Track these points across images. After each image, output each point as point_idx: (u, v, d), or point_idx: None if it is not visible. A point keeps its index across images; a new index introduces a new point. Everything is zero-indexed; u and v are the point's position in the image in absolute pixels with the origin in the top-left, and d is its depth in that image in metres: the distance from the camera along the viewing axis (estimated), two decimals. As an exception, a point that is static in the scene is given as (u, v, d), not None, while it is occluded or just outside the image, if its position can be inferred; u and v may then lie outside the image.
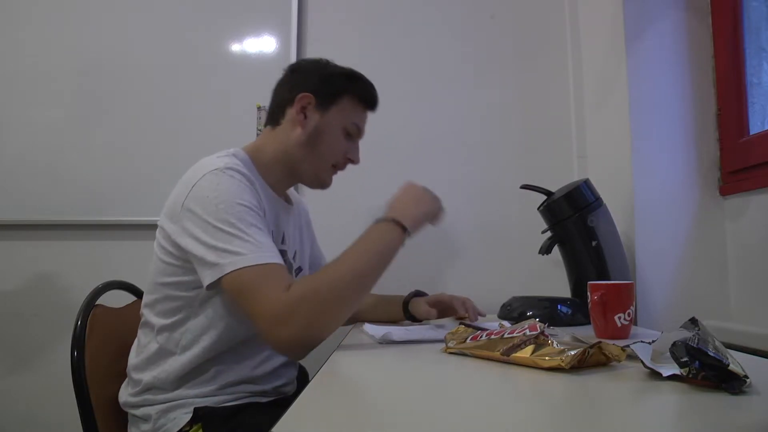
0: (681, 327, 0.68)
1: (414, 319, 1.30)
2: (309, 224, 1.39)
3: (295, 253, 1.21)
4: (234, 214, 0.92)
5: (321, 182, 1.17)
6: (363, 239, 0.98)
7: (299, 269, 1.23)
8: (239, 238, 0.90)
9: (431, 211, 1.10)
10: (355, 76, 1.15)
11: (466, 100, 1.80)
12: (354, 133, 1.16)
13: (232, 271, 0.88)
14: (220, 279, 0.89)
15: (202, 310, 0.99)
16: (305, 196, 1.76)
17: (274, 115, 1.14)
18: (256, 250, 0.90)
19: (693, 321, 0.68)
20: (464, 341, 0.85)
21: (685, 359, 0.59)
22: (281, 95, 1.13)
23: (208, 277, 0.90)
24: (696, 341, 0.60)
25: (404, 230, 1.00)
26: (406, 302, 1.32)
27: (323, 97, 1.10)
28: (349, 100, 1.13)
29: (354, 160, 1.18)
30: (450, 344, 0.87)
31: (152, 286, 1.03)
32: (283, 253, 1.11)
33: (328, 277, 0.93)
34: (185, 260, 0.96)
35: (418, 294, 1.34)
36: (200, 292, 0.97)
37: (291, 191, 1.27)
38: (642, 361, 0.66)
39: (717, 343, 0.62)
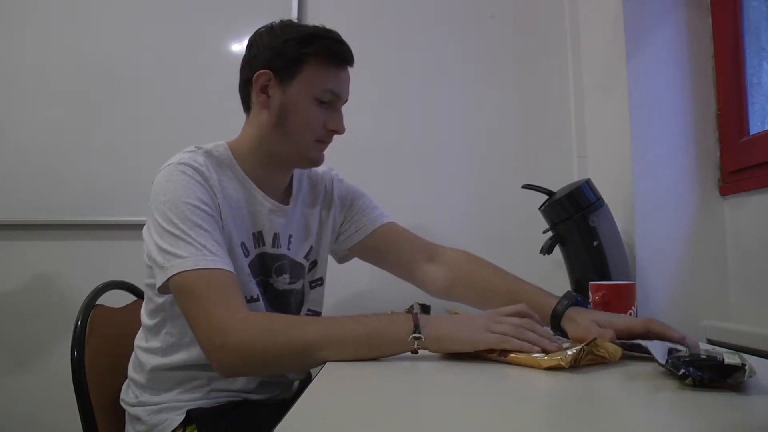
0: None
1: (562, 335, 0.91)
2: (341, 198, 1.20)
3: (290, 237, 1.09)
4: (177, 213, 0.88)
5: (310, 160, 1.05)
6: (372, 316, 0.83)
7: (314, 263, 1.15)
8: (181, 239, 0.86)
9: (473, 340, 0.78)
10: (313, 36, 0.99)
11: (466, 100, 1.80)
12: (330, 99, 1.00)
13: (174, 275, 0.84)
14: (166, 282, 0.86)
15: (177, 313, 0.95)
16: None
17: (244, 101, 1.05)
18: (197, 253, 0.85)
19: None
20: None
21: (683, 371, 0.60)
22: (242, 77, 1.04)
23: (158, 280, 0.88)
24: (687, 351, 0.61)
25: (415, 331, 0.78)
26: (560, 313, 0.92)
27: (281, 70, 0.97)
28: (312, 66, 0.98)
29: (337, 130, 1.02)
30: None
31: (144, 287, 1.03)
32: (281, 257, 1.06)
33: (294, 322, 0.86)
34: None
35: (578, 303, 0.92)
36: (167, 299, 0.96)
37: (311, 172, 1.16)
38: (657, 360, 0.66)
39: (708, 347, 0.62)
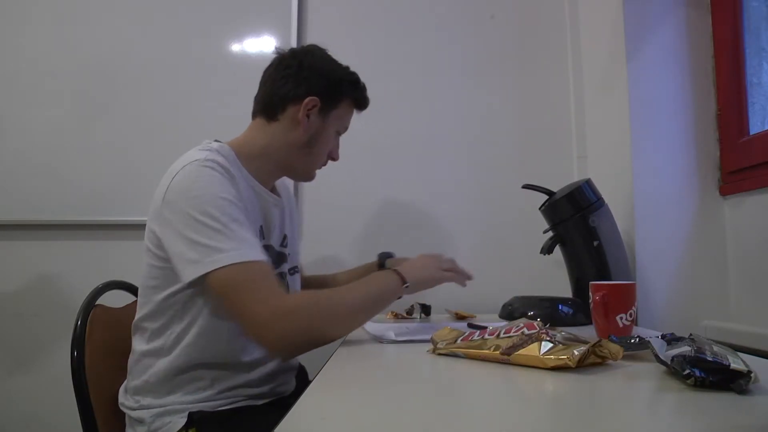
0: (678, 342, 0.68)
1: None
2: (293, 213, 1.34)
3: (285, 237, 1.19)
4: (216, 207, 0.90)
5: (309, 178, 1.20)
6: (365, 280, 1.02)
7: (289, 255, 1.20)
8: (221, 233, 0.88)
9: (436, 277, 1.12)
10: (356, 83, 1.15)
11: (466, 100, 1.80)
12: (342, 132, 1.19)
13: (216, 270, 0.86)
14: (203, 276, 0.87)
15: (186, 311, 0.97)
16: (306, 194, 1.77)
17: (272, 108, 1.09)
18: (239, 247, 0.88)
19: (690, 337, 0.69)
20: (455, 341, 0.84)
21: (687, 371, 0.59)
22: (284, 89, 1.08)
23: (188, 274, 0.88)
24: (693, 351, 0.60)
25: (404, 283, 1.02)
26: (381, 265, 1.36)
27: (327, 102, 1.10)
28: (346, 105, 1.15)
29: (334, 158, 1.20)
30: (440, 345, 0.85)
31: (142, 289, 1.02)
32: (268, 248, 1.10)
33: (325, 299, 0.95)
34: (166, 259, 0.94)
35: (388, 255, 1.39)
36: (184, 294, 0.96)
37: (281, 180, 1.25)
38: (662, 359, 0.66)
39: (716, 348, 0.62)
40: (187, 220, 0.89)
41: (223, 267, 0.86)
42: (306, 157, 1.13)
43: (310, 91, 1.07)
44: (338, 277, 1.42)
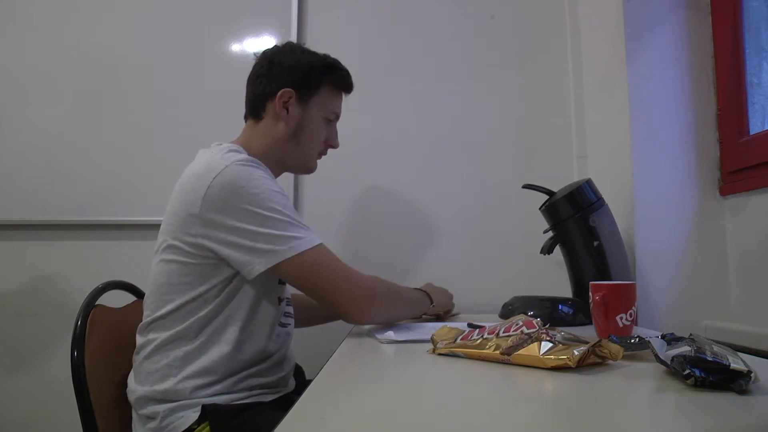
0: (678, 342, 0.68)
1: None
2: None
3: None
4: (277, 201, 0.97)
5: (308, 170, 1.23)
6: (410, 290, 1.22)
7: None
8: (290, 223, 0.96)
9: (448, 305, 1.38)
10: (332, 67, 1.18)
11: (466, 100, 1.80)
12: (332, 120, 1.21)
13: (295, 255, 0.94)
14: (277, 265, 0.94)
15: (222, 307, 1.00)
16: (306, 194, 1.76)
17: (255, 109, 1.15)
18: (309, 233, 0.98)
19: (690, 337, 0.69)
20: (454, 341, 0.84)
21: (688, 371, 0.59)
22: (260, 88, 1.14)
23: (260, 265, 0.94)
24: (693, 351, 0.60)
25: (431, 303, 1.24)
26: None
27: (303, 90, 1.13)
28: (327, 90, 1.17)
29: (334, 146, 1.23)
30: (440, 345, 0.85)
31: (162, 287, 1.01)
32: None
33: (389, 283, 1.12)
34: (203, 257, 0.97)
35: None
36: (220, 290, 0.99)
37: None
38: (662, 359, 0.66)
39: (716, 348, 0.62)
40: (248, 216, 0.94)
41: (304, 251, 0.95)
42: (296, 148, 1.15)
43: (282, 84, 1.12)
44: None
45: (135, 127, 1.75)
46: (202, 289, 0.99)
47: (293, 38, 1.75)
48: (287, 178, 1.69)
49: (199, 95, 1.76)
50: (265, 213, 0.95)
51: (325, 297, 1.01)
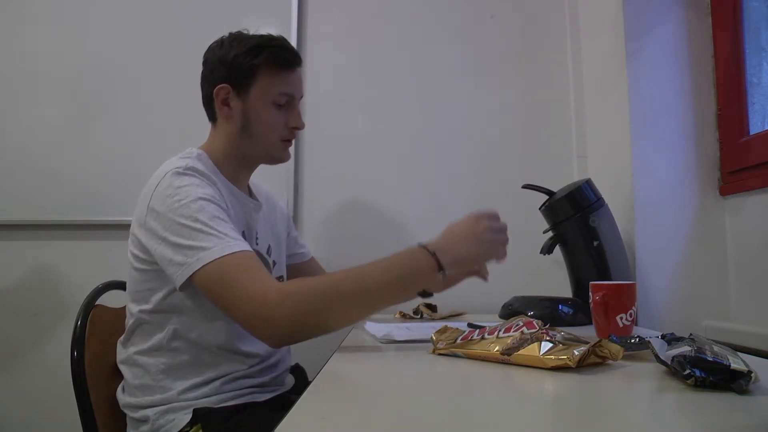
0: (678, 342, 0.68)
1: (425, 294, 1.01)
2: (285, 217, 1.35)
3: (269, 247, 1.20)
4: (195, 208, 0.91)
5: (277, 159, 1.14)
6: (389, 258, 0.90)
7: (274, 263, 1.22)
8: (202, 232, 0.89)
9: (482, 252, 0.96)
10: (259, 47, 1.06)
11: (466, 100, 1.80)
12: (287, 101, 1.10)
13: (200, 268, 0.86)
14: (190, 278, 0.88)
15: (182, 310, 0.98)
16: (306, 194, 1.76)
17: (209, 113, 1.13)
18: (220, 242, 0.88)
19: (690, 337, 0.69)
20: (454, 341, 0.84)
21: (688, 371, 0.59)
22: (204, 92, 1.12)
23: (178, 278, 0.89)
24: (693, 351, 0.60)
25: (438, 266, 0.88)
26: None
27: (237, 82, 1.07)
28: (264, 74, 1.07)
29: (298, 127, 1.12)
30: (440, 345, 0.85)
31: (131, 293, 1.03)
32: (266, 262, 1.12)
33: (329, 282, 0.90)
34: (155, 263, 0.95)
35: None
36: (174, 297, 0.97)
37: (261, 186, 1.26)
38: (662, 359, 0.66)
39: (716, 348, 0.62)
40: (171, 225, 0.91)
41: (208, 263, 0.86)
42: (252, 142, 1.09)
43: (216, 82, 1.08)
44: None
45: (135, 127, 1.75)
46: (162, 293, 0.98)
47: (293, 38, 1.75)
48: (287, 180, 1.69)
49: (199, 95, 1.75)
50: (183, 222, 0.90)
51: (229, 312, 0.88)
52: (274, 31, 1.77)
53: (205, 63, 1.11)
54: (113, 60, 1.77)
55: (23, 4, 1.79)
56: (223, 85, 1.07)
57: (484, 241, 0.94)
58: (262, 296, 0.84)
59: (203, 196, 0.93)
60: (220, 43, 1.10)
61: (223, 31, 1.84)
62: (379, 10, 1.83)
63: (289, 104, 1.11)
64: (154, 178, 0.99)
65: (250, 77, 1.06)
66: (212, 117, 1.13)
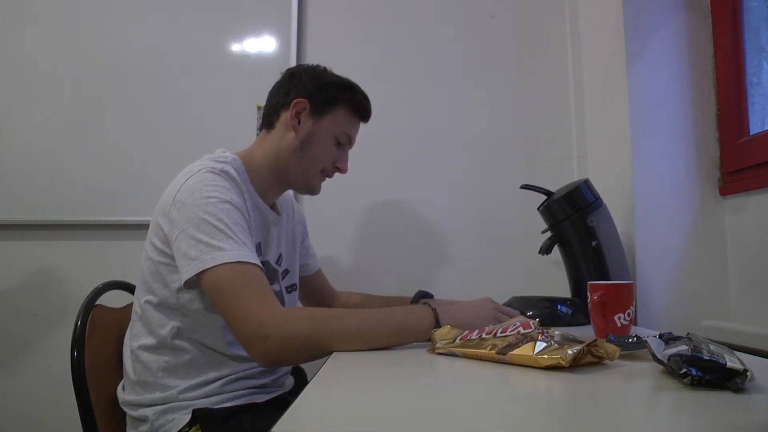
0: (675, 341, 0.68)
1: None
2: (302, 223, 1.39)
3: (280, 256, 1.21)
4: (222, 209, 0.93)
5: (310, 187, 1.18)
6: (397, 308, 0.96)
7: (286, 271, 1.23)
8: (223, 233, 0.90)
9: (478, 324, 0.94)
10: (350, 87, 1.16)
11: (466, 100, 1.80)
12: (344, 142, 1.17)
13: (213, 267, 0.87)
14: (199, 275, 0.88)
15: (188, 307, 0.99)
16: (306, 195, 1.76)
17: (269, 118, 1.15)
18: (239, 248, 0.90)
19: (687, 336, 0.69)
20: (453, 341, 0.84)
21: (684, 370, 0.60)
22: (277, 99, 1.15)
23: (186, 272, 0.90)
24: (690, 350, 0.60)
25: (436, 323, 0.93)
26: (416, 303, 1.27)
27: (318, 104, 1.12)
28: (342, 110, 1.14)
29: (342, 169, 1.18)
30: (439, 344, 0.85)
31: (144, 284, 1.03)
32: (265, 264, 1.12)
33: (334, 313, 0.94)
34: (172, 257, 0.96)
35: (425, 296, 1.30)
36: (182, 296, 0.98)
37: (285, 194, 1.27)
38: (659, 358, 0.66)
39: (712, 347, 0.62)
40: (194, 219, 0.92)
41: (222, 264, 0.87)
42: (301, 161, 1.12)
43: (298, 94, 1.12)
44: (372, 300, 1.41)
45: (135, 127, 1.75)
46: (170, 290, 0.99)
47: (293, 39, 1.75)
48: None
49: (199, 95, 1.76)
50: (207, 218, 0.91)
51: (229, 318, 0.88)
52: (274, 31, 1.79)
53: (292, 75, 1.16)
54: (113, 60, 1.77)
55: (23, 4, 1.79)
56: (303, 99, 1.11)
57: (486, 317, 0.99)
58: (265, 315, 0.86)
59: (231, 200, 0.96)
60: (316, 66, 1.17)
61: (224, 31, 1.86)
62: (379, 10, 1.83)
63: (343, 147, 1.18)
64: (184, 173, 1.01)
65: (331, 105, 1.13)
66: (270, 124, 1.15)
